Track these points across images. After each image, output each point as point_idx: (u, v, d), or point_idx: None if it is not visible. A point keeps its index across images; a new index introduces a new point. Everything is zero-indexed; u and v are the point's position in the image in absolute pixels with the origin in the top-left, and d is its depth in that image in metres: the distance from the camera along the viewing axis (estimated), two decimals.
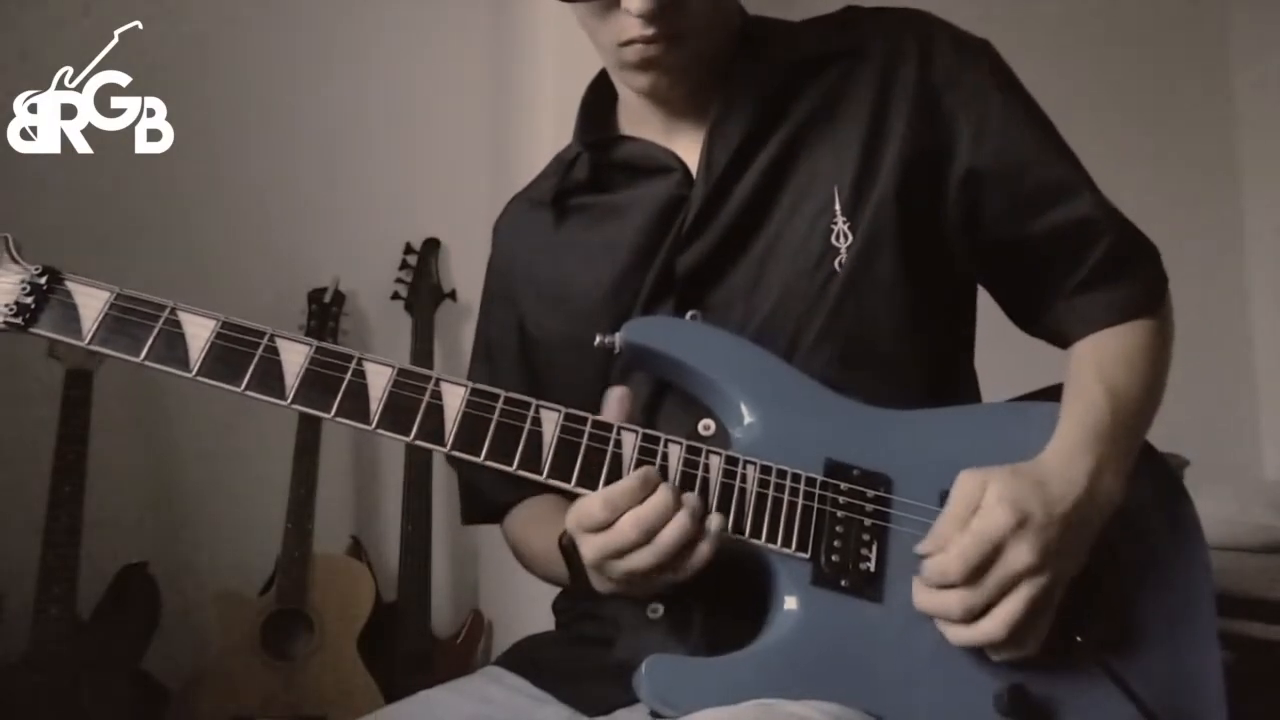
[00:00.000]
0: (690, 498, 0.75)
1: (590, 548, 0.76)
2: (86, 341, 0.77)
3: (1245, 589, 1.71)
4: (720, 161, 0.89)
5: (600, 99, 1.02)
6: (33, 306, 0.77)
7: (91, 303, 0.77)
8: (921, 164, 0.88)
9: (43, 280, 0.78)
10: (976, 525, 0.75)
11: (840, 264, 0.86)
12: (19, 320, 0.77)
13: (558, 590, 1.01)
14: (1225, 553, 1.85)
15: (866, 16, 0.95)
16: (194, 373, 0.76)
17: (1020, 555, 0.74)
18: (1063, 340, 0.93)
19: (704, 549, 0.75)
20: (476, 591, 2.36)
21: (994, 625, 0.74)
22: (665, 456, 0.78)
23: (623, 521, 0.74)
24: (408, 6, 2.48)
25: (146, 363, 0.76)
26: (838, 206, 0.87)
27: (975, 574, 0.74)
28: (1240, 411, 2.91)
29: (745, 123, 0.90)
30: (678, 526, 0.74)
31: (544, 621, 1.02)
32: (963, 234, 0.90)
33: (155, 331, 0.76)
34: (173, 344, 0.76)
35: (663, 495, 0.74)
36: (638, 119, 0.97)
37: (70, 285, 0.78)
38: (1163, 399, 0.90)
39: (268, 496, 2.08)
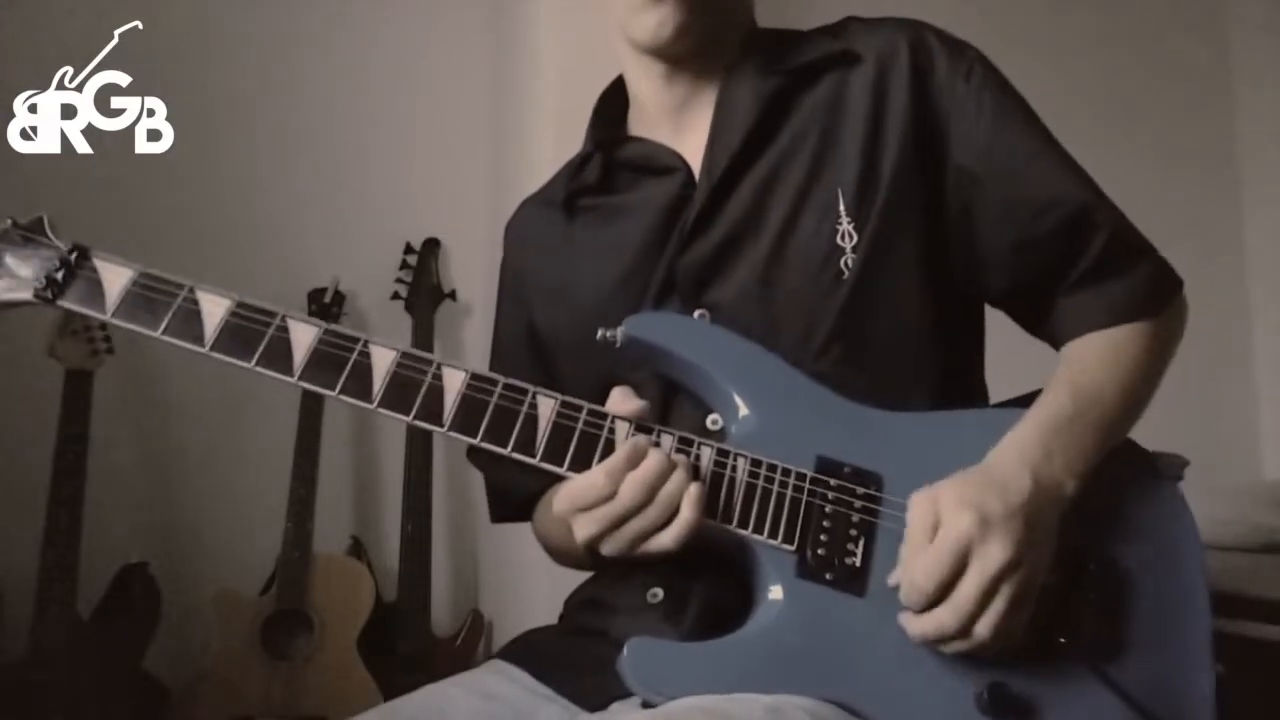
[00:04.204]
0: (681, 459, 0.78)
1: (590, 522, 0.77)
2: (109, 315, 0.82)
3: (1245, 589, 1.71)
4: (721, 162, 0.91)
5: (612, 105, 1.04)
6: (61, 281, 0.82)
7: (116, 279, 0.83)
8: (917, 169, 0.89)
9: (73, 257, 0.83)
10: (940, 538, 0.75)
11: (847, 264, 0.87)
12: (48, 293, 0.82)
13: (559, 589, 1.01)
14: (1225, 553, 1.85)
15: (863, 25, 0.97)
16: (208, 348, 0.80)
17: (995, 553, 0.74)
18: (1058, 342, 0.93)
19: (690, 499, 0.77)
20: (476, 591, 2.37)
21: (985, 629, 0.74)
22: (657, 445, 0.79)
23: (624, 486, 0.76)
24: (408, 7, 2.49)
25: (164, 337, 0.80)
26: (842, 208, 0.88)
27: (947, 585, 0.75)
28: (1240, 412, 2.91)
29: (746, 124, 0.92)
30: (678, 480, 0.76)
31: (543, 621, 1.02)
32: (960, 240, 0.91)
33: (174, 308, 0.81)
34: (189, 320, 0.81)
35: (658, 456, 0.77)
36: (647, 122, 1.00)
37: (97, 262, 0.84)
38: (1148, 402, 0.89)
39: (268, 496, 2.09)
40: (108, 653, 1.85)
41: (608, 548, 0.78)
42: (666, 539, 0.77)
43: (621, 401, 0.82)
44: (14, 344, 1.93)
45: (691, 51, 0.94)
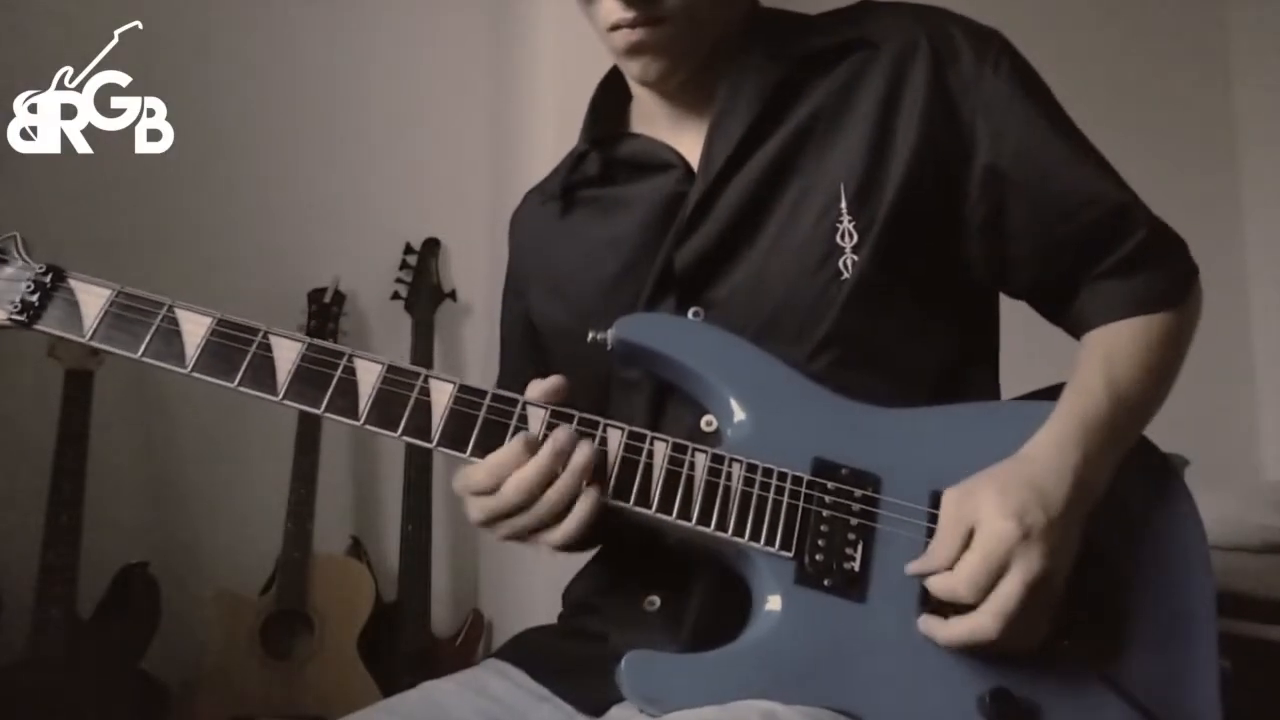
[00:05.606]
0: (577, 458, 0.76)
1: (477, 509, 0.78)
2: (87, 338, 0.80)
3: (1245, 589, 1.71)
4: (719, 157, 0.88)
5: (612, 97, 1.02)
6: (37, 304, 0.80)
7: (93, 300, 0.81)
8: (934, 166, 0.86)
9: (47, 278, 0.81)
10: (981, 543, 0.74)
11: (845, 264, 0.84)
12: (23, 317, 0.80)
13: (559, 589, 1.01)
14: (1225, 553, 1.84)
15: (879, 11, 0.93)
16: (189, 369, 0.79)
17: (1032, 565, 0.73)
18: (1080, 327, 0.91)
19: (580, 508, 0.76)
20: (476, 591, 2.36)
21: (1024, 635, 0.75)
22: (650, 454, 0.78)
23: (505, 486, 0.76)
24: (408, 6, 2.49)
25: (144, 359, 0.79)
26: (843, 205, 0.85)
27: (985, 591, 0.74)
28: (1240, 411, 2.91)
29: (747, 117, 0.88)
30: (565, 485, 0.75)
31: (542, 621, 1.02)
32: (987, 239, 0.88)
33: (153, 329, 0.79)
34: (169, 341, 0.79)
35: (543, 459, 0.75)
36: (647, 116, 0.97)
37: (73, 283, 0.81)
38: (1169, 392, 0.89)
39: (268, 496, 2.09)
40: (108, 653, 1.85)
41: (499, 535, 0.79)
42: (555, 537, 0.77)
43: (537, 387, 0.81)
44: (14, 343, 1.93)
45: (684, 81, 0.91)
